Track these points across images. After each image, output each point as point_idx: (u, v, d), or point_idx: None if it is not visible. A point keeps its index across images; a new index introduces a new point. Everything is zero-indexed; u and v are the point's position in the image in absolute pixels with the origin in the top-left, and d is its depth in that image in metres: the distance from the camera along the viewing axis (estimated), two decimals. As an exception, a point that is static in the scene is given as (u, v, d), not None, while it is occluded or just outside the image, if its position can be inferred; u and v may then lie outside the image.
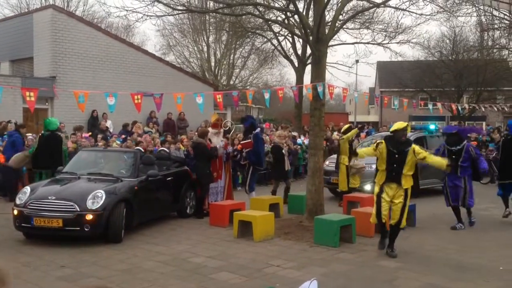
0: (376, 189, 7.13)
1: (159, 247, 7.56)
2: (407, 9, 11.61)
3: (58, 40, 17.02)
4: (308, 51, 22.02)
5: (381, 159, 7.06)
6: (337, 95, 32.61)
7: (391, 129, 7.15)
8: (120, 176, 8.42)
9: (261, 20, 21.60)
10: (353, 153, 7.39)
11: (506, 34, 26.45)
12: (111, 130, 16.46)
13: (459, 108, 17.72)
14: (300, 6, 20.33)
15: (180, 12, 14.16)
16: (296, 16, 15.60)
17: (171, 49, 35.06)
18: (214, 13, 20.58)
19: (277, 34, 24.51)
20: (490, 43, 29.71)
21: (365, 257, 7.02)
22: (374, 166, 8.98)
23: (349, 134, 11.46)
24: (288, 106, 39.80)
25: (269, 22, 20.64)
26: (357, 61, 30.54)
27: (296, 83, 23.95)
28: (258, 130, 10.78)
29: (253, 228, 7.98)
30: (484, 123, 33.29)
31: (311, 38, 9.35)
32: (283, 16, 21.26)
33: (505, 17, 24.78)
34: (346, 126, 11.95)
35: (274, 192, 11.28)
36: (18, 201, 7.75)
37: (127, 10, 9.87)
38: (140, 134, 15.11)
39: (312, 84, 9.21)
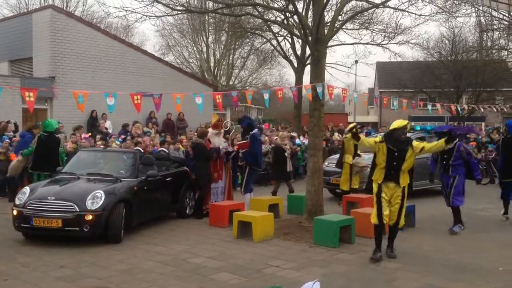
0: (375, 188, 7.03)
1: (159, 247, 7.56)
2: (406, 9, 11.63)
3: (57, 40, 17.01)
4: (308, 51, 22.05)
5: (380, 156, 6.91)
6: (336, 95, 32.64)
7: (391, 127, 6.99)
8: (119, 176, 8.42)
9: (260, 20, 21.63)
10: (354, 137, 6.97)
11: (505, 35, 26.50)
12: (110, 131, 16.45)
13: (459, 108, 17.74)
14: (300, 6, 20.36)
15: (179, 12, 14.18)
16: (295, 17, 15.60)
17: (171, 50, 35.10)
18: (213, 14, 20.59)
19: (277, 35, 24.54)
20: (489, 43, 29.76)
21: (364, 258, 7.02)
22: None
23: (350, 134, 11.40)
24: (287, 106, 39.81)
25: (269, 23, 20.68)
26: (356, 62, 30.58)
27: (295, 84, 23.97)
28: (255, 130, 10.74)
29: (253, 229, 7.98)
30: (483, 124, 33.32)
31: (310, 38, 9.35)
32: (282, 17, 21.29)
33: (504, 17, 24.81)
34: (352, 125, 11.69)
35: (274, 193, 11.28)
36: (17, 202, 7.74)
37: (126, 10, 9.86)
38: (139, 134, 15.11)
39: (312, 85, 9.21)
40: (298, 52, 24.37)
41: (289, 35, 23.89)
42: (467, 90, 33.36)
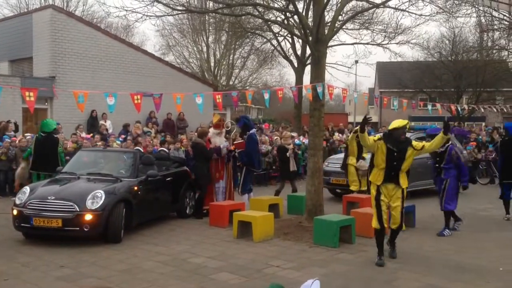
0: (373, 191, 6.82)
1: (159, 247, 7.56)
2: (407, 9, 11.62)
3: (57, 40, 17.01)
4: (308, 51, 22.05)
5: (379, 156, 6.73)
6: (336, 95, 32.65)
7: (390, 127, 6.82)
8: (119, 176, 8.42)
9: (260, 20, 21.63)
10: (361, 128, 6.64)
11: (506, 35, 26.49)
12: (110, 130, 16.46)
13: (459, 108, 17.74)
14: (300, 6, 20.36)
15: (179, 12, 14.17)
16: (295, 17, 15.60)
17: (171, 49, 35.11)
18: (213, 13, 20.59)
19: (277, 35, 24.55)
20: (489, 44, 29.75)
21: (364, 258, 7.02)
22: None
23: (351, 135, 11.35)
24: (287, 106, 39.82)
25: (269, 23, 20.68)
26: (356, 62, 30.58)
27: (295, 84, 23.98)
28: (253, 130, 10.71)
29: (253, 229, 7.98)
30: (483, 124, 33.33)
31: (310, 38, 9.35)
32: (283, 17, 21.30)
33: (505, 18, 24.80)
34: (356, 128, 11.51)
35: (277, 193, 11.26)
36: (17, 201, 7.74)
37: (126, 10, 9.86)
38: (139, 134, 15.12)
39: (312, 85, 9.21)
40: (298, 52, 24.39)
41: (289, 35, 23.91)
42: (467, 90, 33.36)
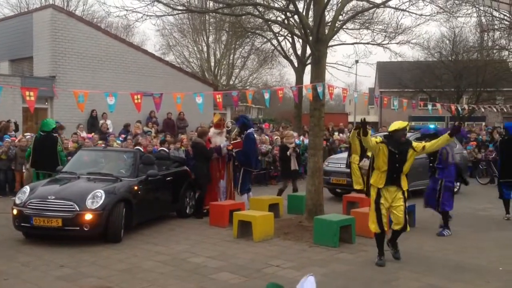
0: (373, 194, 6.67)
1: (159, 247, 7.56)
2: (407, 9, 11.61)
3: (57, 39, 17.01)
4: (308, 51, 22.03)
5: (380, 159, 6.64)
6: (337, 95, 32.65)
7: (390, 129, 6.75)
8: (119, 176, 8.42)
9: (261, 20, 21.61)
10: (363, 131, 6.51)
11: (506, 35, 26.47)
12: (110, 130, 16.46)
13: (459, 108, 17.73)
14: (300, 6, 20.34)
15: (180, 12, 14.17)
16: (296, 16, 15.60)
17: (171, 49, 35.10)
18: (214, 13, 20.58)
19: (277, 34, 24.52)
20: (490, 43, 29.74)
21: (364, 257, 7.02)
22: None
23: (352, 132, 11.25)
24: (288, 106, 39.81)
25: (269, 22, 20.65)
26: (356, 62, 30.55)
27: (295, 83, 23.97)
28: (251, 130, 10.66)
29: (253, 228, 7.98)
30: (483, 124, 33.33)
31: (311, 38, 9.35)
32: (283, 16, 21.27)
33: (505, 17, 24.79)
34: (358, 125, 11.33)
35: (280, 192, 11.26)
36: (17, 201, 7.75)
37: (126, 10, 9.86)
38: (139, 134, 15.11)
39: (312, 84, 9.21)
40: (299, 52, 24.36)
41: (289, 35, 23.88)
42: (467, 90, 33.35)
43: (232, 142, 10.53)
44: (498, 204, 10.53)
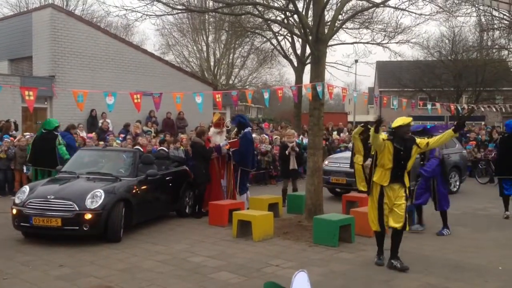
0: (376, 192, 6.53)
1: (158, 246, 7.56)
2: (407, 9, 11.61)
3: (57, 39, 17.01)
4: (308, 50, 22.04)
5: (385, 157, 6.47)
6: (336, 95, 32.62)
7: (394, 125, 6.58)
8: (119, 175, 8.41)
9: (260, 19, 21.60)
10: (376, 130, 6.38)
11: (506, 34, 26.51)
12: (110, 129, 16.46)
13: (459, 108, 17.74)
14: (300, 5, 20.36)
15: (179, 11, 14.18)
16: (295, 16, 15.61)
17: (171, 49, 35.09)
18: (213, 13, 20.57)
19: (277, 34, 24.52)
20: (489, 43, 29.75)
21: (364, 257, 7.02)
22: None
23: (356, 130, 11.06)
24: (287, 105, 39.83)
25: (269, 22, 20.66)
26: (356, 61, 30.59)
27: (295, 83, 23.97)
28: (248, 129, 10.64)
29: (253, 228, 7.98)
30: (483, 123, 33.36)
31: (310, 37, 9.35)
32: (283, 16, 21.27)
33: (505, 17, 24.82)
34: (363, 125, 11.03)
35: (284, 191, 11.27)
36: (17, 200, 7.75)
37: (126, 9, 9.86)
38: (139, 134, 15.11)
39: (312, 84, 9.21)
40: (298, 51, 24.37)
41: (289, 34, 23.89)
42: (467, 89, 33.37)
43: (229, 141, 10.51)
44: (498, 203, 10.53)
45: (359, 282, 5.99)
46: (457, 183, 13.82)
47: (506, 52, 29.74)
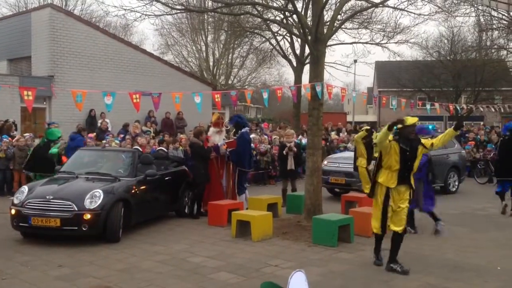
0: (381, 194, 6.35)
1: (157, 246, 7.55)
2: (406, 9, 11.63)
3: (56, 39, 17.00)
4: (307, 50, 22.02)
5: (392, 158, 6.29)
6: (335, 95, 32.58)
7: (409, 123, 6.35)
8: (118, 175, 8.41)
9: (259, 19, 21.61)
10: (389, 129, 6.11)
11: (505, 34, 26.54)
12: (110, 129, 16.44)
13: (458, 108, 17.74)
14: (299, 5, 20.35)
15: (178, 11, 14.17)
16: (294, 16, 15.58)
17: (170, 49, 35.10)
18: (212, 13, 20.58)
19: (276, 34, 24.52)
20: (488, 43, 29.78)
21: (363, 257, 7.02)
22: None
23: (359, 134, 10.95)
24: (286, 105, 39.81)
25: (268, 22, 20.67)
26: (355, 61, 30.58)
27: (294, 83, 23.97)
28: (245, 129, 10.62)
29: (252, 228, 7.97)
30: (481, 123, 33.40)
31: (309, 37, 9.35)
32: (282, 16, 21.26)
33: (504, 17, 24.84)
34: (366, 127, 10.96)
35: (284, 191, 11.27)
36: (15, 201, 7.74)
37: (125, 9, 9.85)
38: (138, 134, 15.08)
39: (311, 84, 9.21)
40: (297, 51, 24.36)
41: (288, 34, 23.88)
42: (466, 89, 33.40)
43: (226, 141, 10.51)
44: (497, 203, 10.55)
45: (358, 282, 6.00)
46: (456, 183, 13.82)
47: (505, 52, 29.77)
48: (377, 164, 6.56)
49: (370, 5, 11.71)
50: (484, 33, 28.43)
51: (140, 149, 11.18)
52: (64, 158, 11.63)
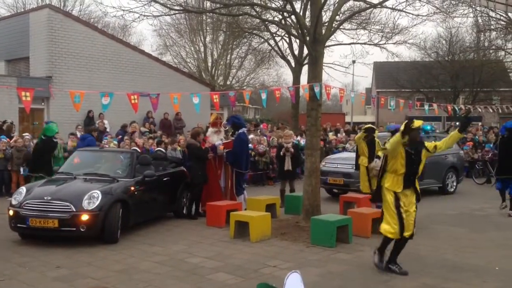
0: (391, 198, 6.21)
1: (156, 247, 7.54)
2: (404, 10, 11.68)
3: (54, 40, 16.97)
4: (305, 51, 22.00)
5: (398, 162, 6.17)
6: (334, 95, 32.63)
7: (416, 126, 6.20)
8: (116, 176, 8.40)
9: (258, 20, 21.61)
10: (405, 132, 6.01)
11: (502, 35, 26.59)
12: (108, 130, 16.42)
13: (456, 108, 17.75)
14: (297, 6, 20.32)
15: (177, 12, 14.15)
16: (293, 17, 15.61)
17: (168, 49, 35.06)
18: (211, 13, 20.57)
19: (274, 35, 24.51)
20: (486, 44, 29.83)
21: (361, 258, 7.02)
22: None
23: (358, 135, 10.98)
24: (285, 106, 39.84)
25: (266, 23, 20.65)
26: (353, 62, 30.57)
27: (293, 84, 23.96)
28: (242, 130, 10.61)
29: (250, 229, 7.97)
30: (480, 124, 33.44)
31: (308, 38, 9.35)
32: (280, 17, 21.25)
33: (501, 18, 24.89)
34: (367, 126, 10.93)
35: (282, 192, 11.27)
36: (13, 202, 7.72)
37: (123, 10, 9.83)
38: (134, 132, 15.06)
39: (309, 85, 9.21)
40: (296, 52, 24.34)
41: (286, 35, 23.86)
42: (464, 90, 33.44)
43: (223, 142, 10.50)
44: (495, 204, 10.56)
45: (356, 282, 6.00)
46: (454, 184, 13.83)
47: (503, 52, 29.84)
48: (382, 168, 6.45)
49: (368, 6, 11.70)
50: (482, 34, 28.50)
51: (139, 150, 11.18)
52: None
